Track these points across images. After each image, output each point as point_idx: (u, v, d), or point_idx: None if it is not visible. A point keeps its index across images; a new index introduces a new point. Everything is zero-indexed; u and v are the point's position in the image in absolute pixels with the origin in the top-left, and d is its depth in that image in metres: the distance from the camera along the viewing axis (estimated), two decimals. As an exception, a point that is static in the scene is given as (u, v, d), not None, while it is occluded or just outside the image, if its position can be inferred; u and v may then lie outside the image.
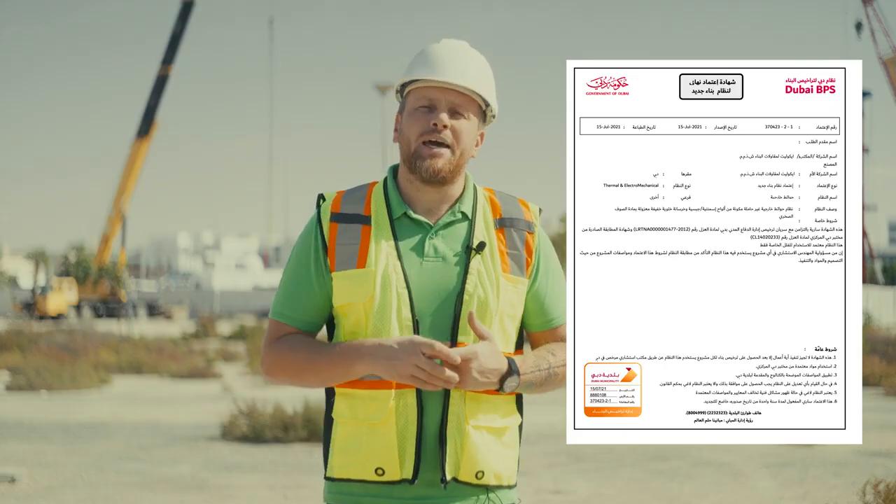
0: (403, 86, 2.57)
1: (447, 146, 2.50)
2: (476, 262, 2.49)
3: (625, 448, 10.56)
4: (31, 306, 52.45)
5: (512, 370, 2.44)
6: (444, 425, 2.44)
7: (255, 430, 11.07)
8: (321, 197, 2.59)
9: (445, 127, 2.49)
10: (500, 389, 2.45)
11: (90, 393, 16.60)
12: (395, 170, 2.62)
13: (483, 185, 2.66)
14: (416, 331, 2.45)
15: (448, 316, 2.46)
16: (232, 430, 11.26)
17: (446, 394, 2.44)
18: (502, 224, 2.56)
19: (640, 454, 10.33)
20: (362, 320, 2.48)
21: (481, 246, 2.50)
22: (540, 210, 2.64)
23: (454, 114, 2.51)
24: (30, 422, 12.81)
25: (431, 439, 2.45)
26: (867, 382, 18.11)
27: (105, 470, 9.49)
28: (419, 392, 2.44)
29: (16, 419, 13.03)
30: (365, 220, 2.53)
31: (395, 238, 2.51)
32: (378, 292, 2.46)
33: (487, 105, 2.57)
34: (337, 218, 2.54)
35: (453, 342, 2.45)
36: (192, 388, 17.75)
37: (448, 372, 2.36)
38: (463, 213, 2.55)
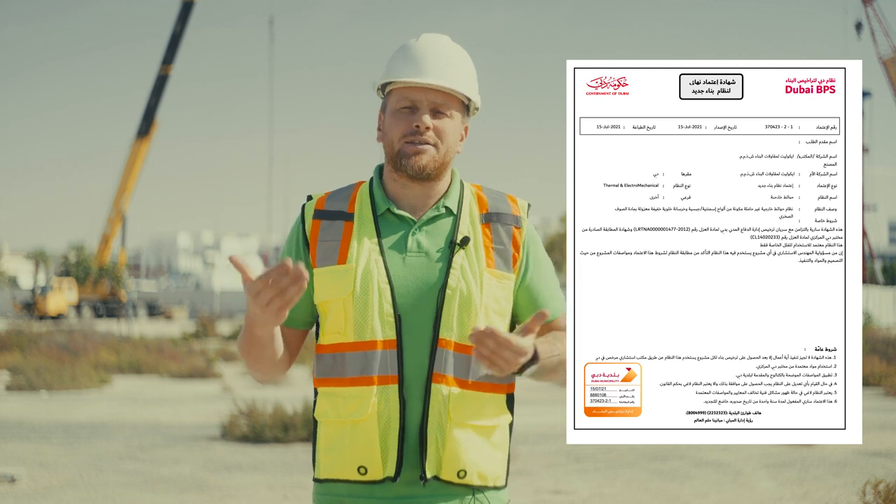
0: (384, 84, 2.56)
1: (430, 144, 2.50)
2: (459, 256, 2.48)
3: (625, 448, 10.55)
4: (31, 306, 52.44)
5: (535, 357, 2.34)
6: (426, 422, 2.43)
7: (255, 430, 11.07)
8: (309, 197, 2.60)
9: (428, 128, 2.49)
10: (517, 373, 2.36)
11: (90, 393, 16.60)
12: (380, 169, 2.63)
13: (481, 183, 2.66)
14: (399, 326, 2.44)
15: (430, 311, 2.45)
16: (232, 430, 11.26)
17: (428, 390, 2.43)
18: (488, 219, 2.55)
19: (640, 454, 10.32)
20: (342, 316, 2.47)
21: (465, 241, 2.49)
22: (529, 205, 2.63)
23: (436, 113, 2.51)
24: (30, 422, 12.81)
25: (413, 437, 2.44)
26: (867, 382, 18.12)
27: (105, 470, 9.48)
28: (401, 388, 2.42)
29: (16, 419, 13.02)
30: (347, 216, 2.53)
31: (378, 234, 2.50)
32: (359, 288, 2.45)
33: (470, 100, 2.57)
34: (320, 215, 2.54)
35: (435, 337, 2.44)
36: (192, 388, 17.74)
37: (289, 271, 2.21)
38: (447, 209, 2.55)
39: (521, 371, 2.34)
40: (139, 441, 11.28)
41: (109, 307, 55.77)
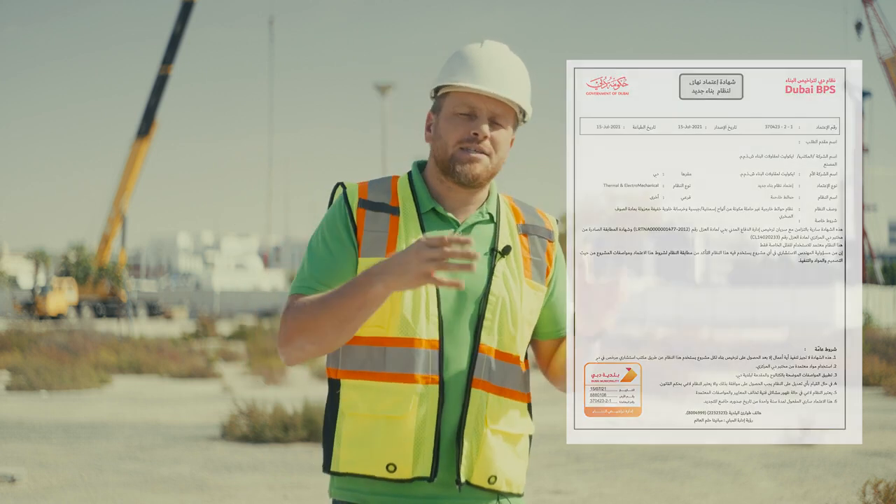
0: (440, 86, 2.53)
1: (486, 154, 2.49)
2: (501, 264, 2.48)
3: (625, 448, 10.55)
4: (31, 306, 52.42)
5: None
6: (463, 426, 2.42)
7: (255, 430, 11.06)
8: (342, 184, 2.54)
9: (486, 137, 2.48)
10: None
11: (90, 393, 16.59)
12: (420, 165, 2.60)
13: (511, 194, 2.66)
14: (442, 328, 2.43)
15: (473, 316, 2.45)
16: (232, 430, 11.25)
17: (467, 394, 2.42)
18: (525, 230, 2.56)
19: (640, 454, 10.32)
20: (388, 311, 2.43)
21: (507, 249, 2.49)
22: (557, 221, 2.64)
23: (493, 123, 2.49)
24: (30, 422, 12.80)
25: (447, 440, 2.43)
26: (867, 382, 18.10)
27: (105, 470, 9.48)
28: (442, 387, 2.41)
29: (16, 419, 13.02)
30: (393, 210, 2.50)
31: (423, 232, 2.48)
32: None
33: (524, 112, 2.56)
34: (364, 204, 2.50)
35: (476, 342, 2.44)
36: (192, 388, 17.74)
37: (464, 245, 2.22)
38: (490, 215, 2.54)
39: None
40: (139, 441, 11.27)
41: (109, 307, 55.74)
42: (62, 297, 53.34)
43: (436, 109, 2.55)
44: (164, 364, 20.40)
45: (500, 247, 2.49)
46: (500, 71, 2.49)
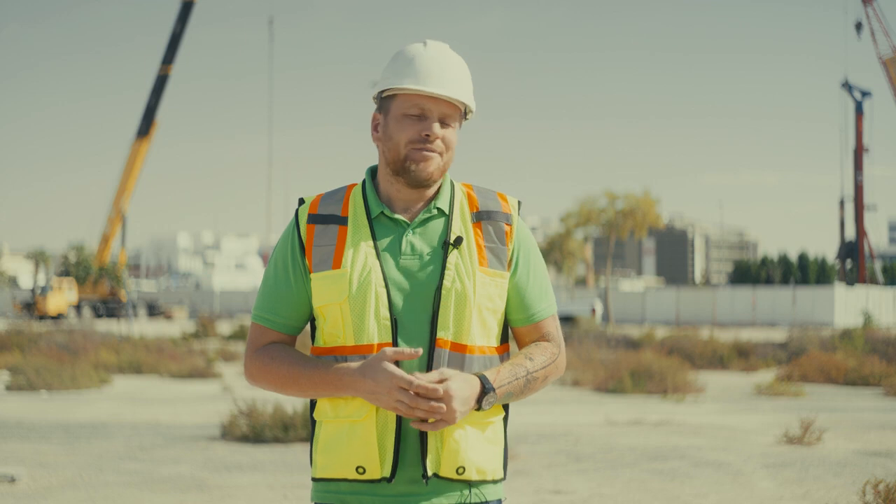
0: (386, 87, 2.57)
1: (438, 153, 2.53)
2: (453, 256, 2.51)
3: (625, 448, 10.55)
4: (31, 306, 52.44)
5: (486, 388, 2.45)
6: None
7: (255, 430, 11.06)
8: (301, 200, 2.62)
9: (437, 138, 2.52)
10: (479, 409, 2.46)
11: (90, 393, 16.59)
12: (372, 171, 2.64)
13: (472, 183, 2.67)
14: (395, 329, 2.46)
15: (427, 312, 2.48)
16: (232, 430, 11.25)
17: None
18: (479, 218, 2.57)
19: (640, 454, 10.32)
20: (340, 321, 2.50)
21: (458, 241, 2.52)
22: (520, 203, 2.65)
23: (443, 123, 2.54)
24: (30, 422, 12.80)
25: (411, 436, 2.47)
26: (867, 382, 18.11)
27: (105, 470, 9.48)
28: None
29: (16, 419, 13.01)
30: (342, 220, 2.55)
31: (374, 237, 2.52)
32: (355, 292, 2.48)
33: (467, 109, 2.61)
34: (314, 219, 2.56)
35: (432, 337, 2.47)
36: (192, 388, 17.74)
37: (432, 402, 2.37)
38: (439, 210, 2.57)
39: (479, 406, 2.46)
40: (139, 441, 11.27)
41: (109, 307, 55.77)
42: (62, 297, 53.35)
43: (382, 110, 2.58)
44: (164, 364, 20.40)
45: (451, 239, 2.52)
46: (445, 71, 2.54)
